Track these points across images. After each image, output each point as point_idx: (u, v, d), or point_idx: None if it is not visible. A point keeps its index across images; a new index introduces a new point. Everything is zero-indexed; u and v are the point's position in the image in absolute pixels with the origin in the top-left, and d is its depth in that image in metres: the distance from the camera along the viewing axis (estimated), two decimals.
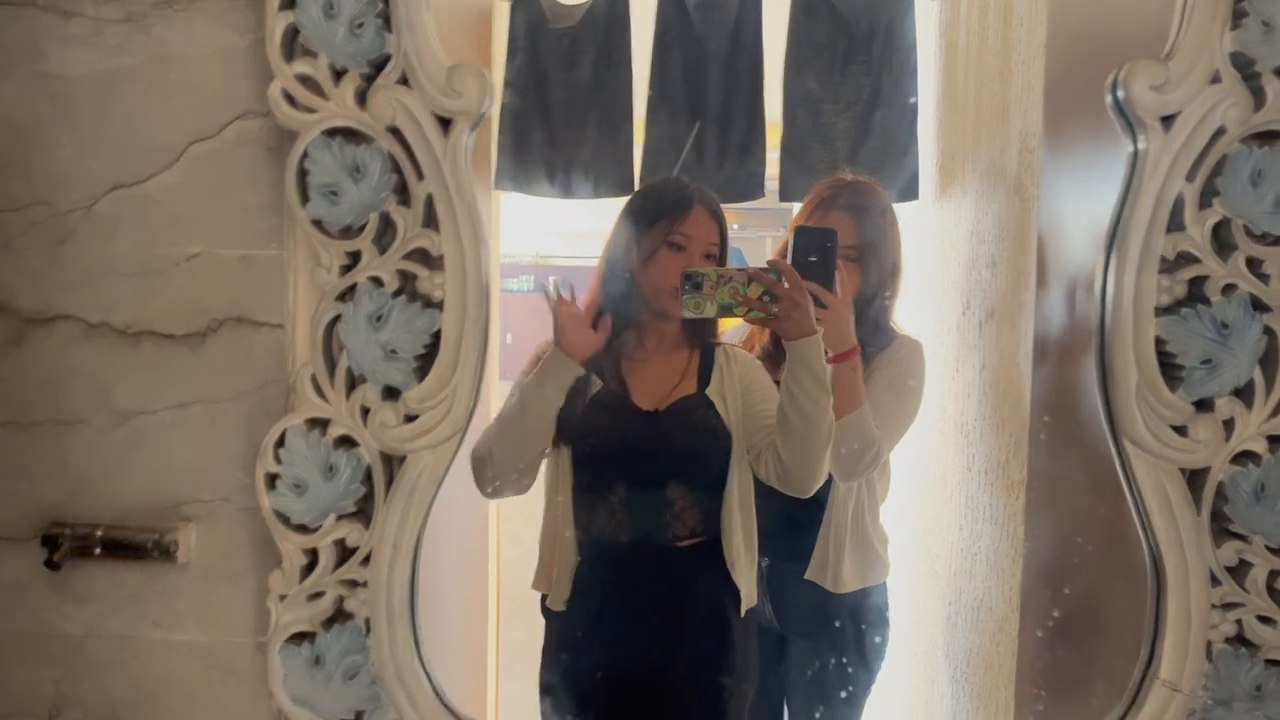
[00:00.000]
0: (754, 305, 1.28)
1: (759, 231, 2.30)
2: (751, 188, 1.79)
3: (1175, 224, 1.00)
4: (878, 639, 1.62)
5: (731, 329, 1.60)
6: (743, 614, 1.43)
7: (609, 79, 1.73)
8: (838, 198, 1.54)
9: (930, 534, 1.86)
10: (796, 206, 1.69)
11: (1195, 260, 1.00)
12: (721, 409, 1.41)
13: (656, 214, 1.40)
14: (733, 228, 1.63)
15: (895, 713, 1.99)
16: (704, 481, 1.41)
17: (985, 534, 1.60)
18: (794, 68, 1.75)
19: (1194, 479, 1.03)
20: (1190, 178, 0.99)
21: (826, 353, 1.34)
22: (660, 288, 1.38)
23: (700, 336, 1.46)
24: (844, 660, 1.61)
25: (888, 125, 1.77)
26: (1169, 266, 1.01)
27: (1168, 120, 0.98)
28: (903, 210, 1.81)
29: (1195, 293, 1.01)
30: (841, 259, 1.44)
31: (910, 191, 1.79)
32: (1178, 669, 1.04)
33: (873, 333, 1.52)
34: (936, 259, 1.88)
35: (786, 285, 1.27)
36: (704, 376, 1.43)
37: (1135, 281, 0.99)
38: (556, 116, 1.74)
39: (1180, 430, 1.02)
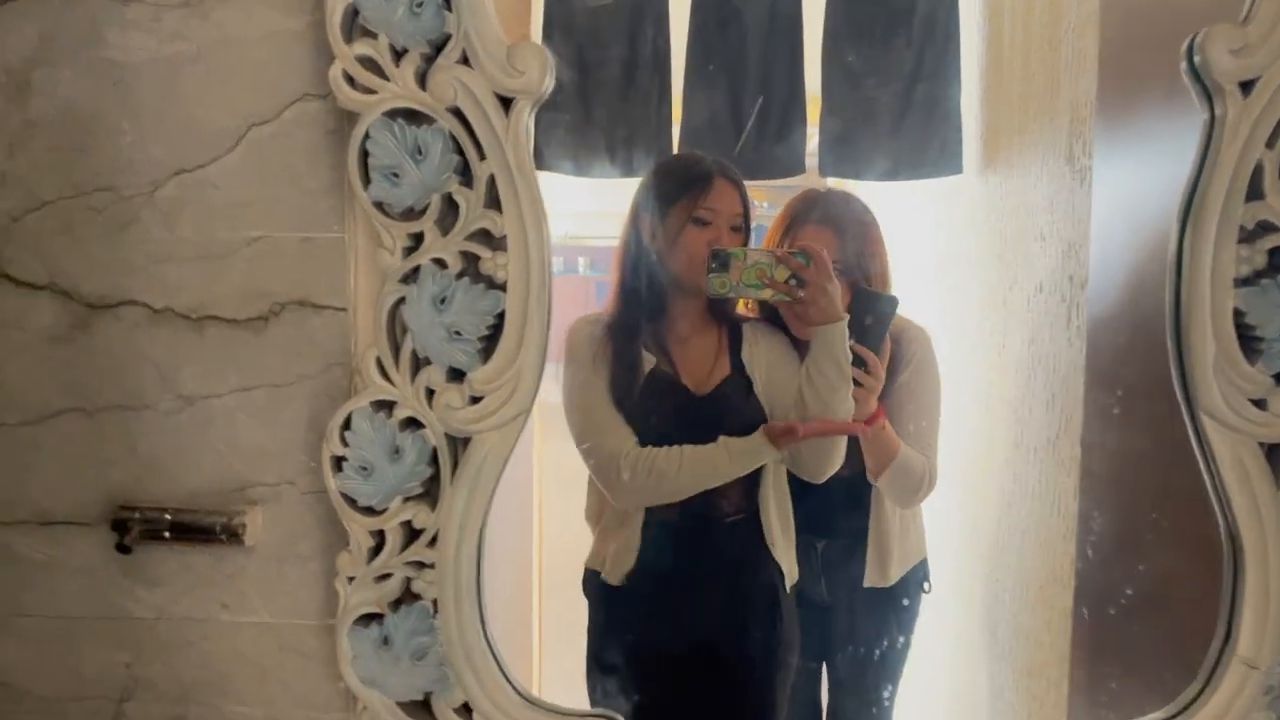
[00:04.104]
0: (780, 288, 1.28)
1: None
2: (792, 164, 1.75)
3: (1254, 192, 0.97)
4: (916, 601, 1.63)
5: None
6: (787, 588, 1.44)
7: (647, 56, 1.71)
8: (813, 210, 1.51)
9: (975, 512, 1.85)
10: (830, 183, 1.67)
11: (1276, 229, 0.98)
12: (756, 387, 1.41)
13: (678, 191, 1.39)
14: (763, 206, 1.62)
15: (937, 688, 1.99)
16: None
17: (1035, 512, 1.59)
18: (834, 41, 1.73)
19: (1273, 453, 1.01)
20: (1270, 145, 0.96)
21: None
22: (690, 265, 1.37)
23: (725, 313, 1.45)
24: (888, 626, 1.62)
25: (931, 98, 1.73)
26: (1248, 236, 0.98)
27: (1246, 86, 0.96)
28: (946, 184, 1.79)
29: (1275, 263, 0.99)
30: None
31: (954, 165, 1.76)
32: (1256, 646, 1.02)
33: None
34: (982, 233, 1.85)
35: (814, 270, 1.26)
36: (735, 355, 1.43)
37: (1213, 252, 0.97)
38: (595, 95, 1.73)
39: (1259, 404, 1.00)
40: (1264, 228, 0.98)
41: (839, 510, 1.54)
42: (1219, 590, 1.05)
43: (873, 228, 1.53)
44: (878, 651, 1.62)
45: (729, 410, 1.41)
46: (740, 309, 1.50)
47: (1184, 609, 1.19)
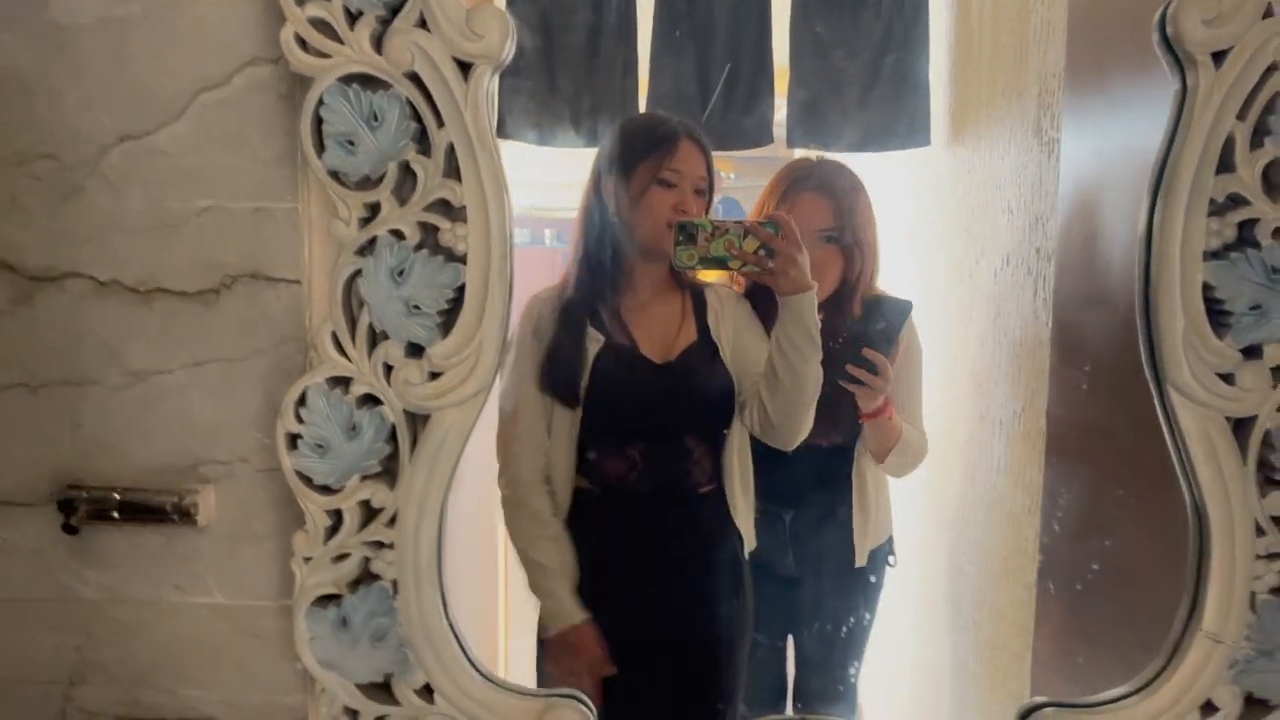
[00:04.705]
0: (749, 259, 1.27)
1: (755, 181, 2.27)
2: (760, 135, 1.75)
3: (1225, 164, 0.96)
4: (881, 576, 1.65)
5: None
6: (746, 556, 1.45)
7: (612, 22, 1.69)
8: (809, 179, 1.52)
9: (940, 485, 1.86)
10: (798, 153, 1.66)
11: (1246, 202, 0.97)
12: (723, 353, 1.41)
13: (643, 151, 1.38)
14: (728, 177, 1.61)
15: (901, 661, 2.00)
16: (715, 427, 1.42)
17: (1000, 485, 1.59)
18: (802, 11, 1.71)
19: (1240, 427, 1.01)
20: (1241, 116, 0.95)
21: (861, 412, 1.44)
22: (655, 227, 1.36)
23: (688, 279, 1.45)
24: (855, 602, 1.63)
25: (899, 70, 1.72)
26: (1218, 209, 0.97)
27: (1219, 57, 0.95)
28: (914, 156, 1.79)
29: (1245, 236, 0.98)
30: (822, 242, 1.47)
31: (922, 137, 1.76)
32: (1220, 620, 1.03)
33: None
34: (950, 206, 1.85)
35: (783, 240, 1.25)
36: (701, 320, 1.42)
37: (1183, 225, 0.96)
38: (558, 62, 1.70)
39: (1227, 378, 0.99)
40: (1234, 200, 0.98)
41: (814, 483, 1.56)
42: (1184, 565, 1.05)
43: (863, 194, 1.54)
44: (845, 627, 1.63)
45: (694, 377, 1.40)
46: (723, 278, 1.49)
47: (1149, 584, 1.20)
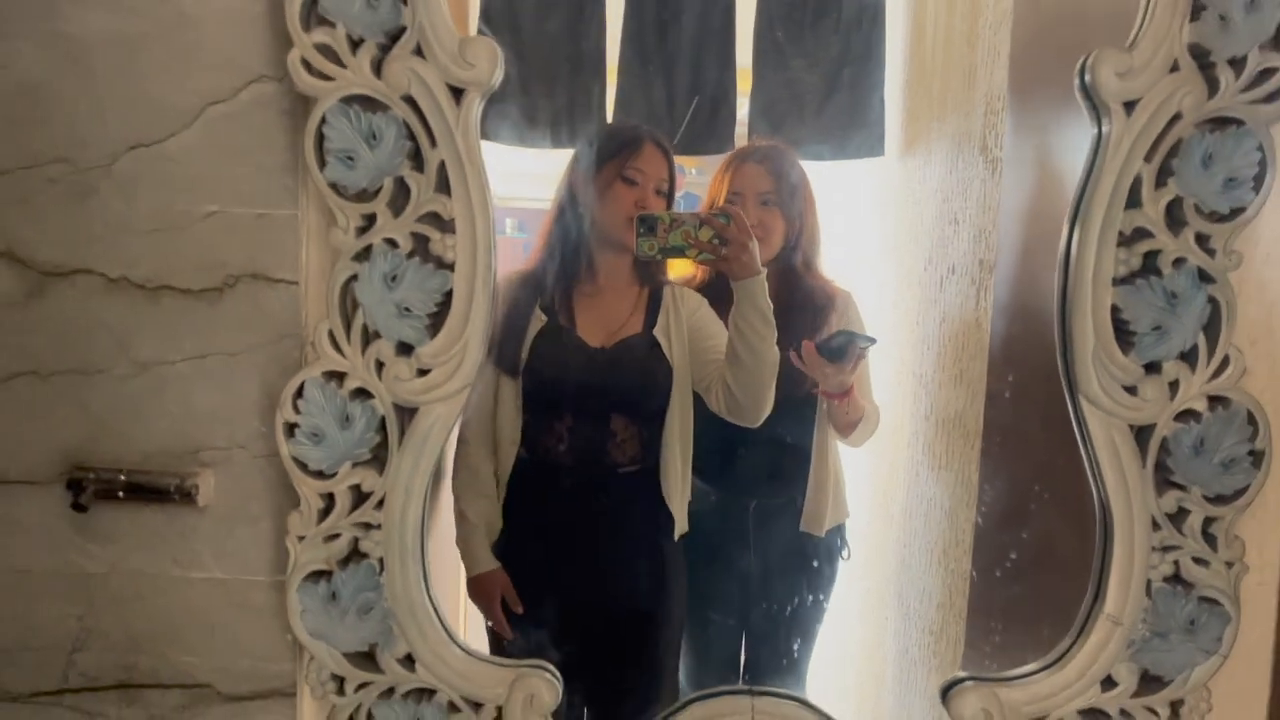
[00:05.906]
0: (704, 247, 1.37)
1: None
2: (723, 141, 1.81)
3: (1133, 201, 1.08)
4: (834, 567, 1.73)
5: None
6: (675, 539, 1.53)
7: (583, 28, 1.75)
8: (752, 154, 1.63)
9: (886, 479, 1.94)
10: None
11: (1150, 235, 1.08)
12: (666, 348, 1.50)
13: (610, 151, 1.48)
14: (690, 171, 1.69)
15: (848, 647, 2.08)
16: (645, 414, 1.51)
17: (942, 480, 1.68)
18: (765, 21, 1.78)
19: (1141, 434, 1.13)
20: (1148, 159, 1.06)
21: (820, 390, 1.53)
22: (615, 220, 1.46)
23: (651, 276, 1.54)
24: (812, 592, 1.72)
25: (855, 82, 1.80)
26: (1126, 240, 1.09)
27: (1130, 105, 1.05)
28: (868, 166, 1.87)
29: (1149, 265, 1.09)
30: (763, 205, 1.57)
31: (876, 148, 1.84)
32: (1120, 605, 1.14)
33: (805, 276, 1.63)
34: (900, 215, 1.93)
35: (735, 229, 1.35)
36: (651, 316, 1.52)
37: (1096, 253, 1.07)
38: (530, 66, 1.76)
39: (1131, 390, 1.11)
40: (1140, 233, 1.09)
41: (776, 470, 1.64)
42: (1091, 555, 1.16)
43: (805, 178, 1.63)
44: (789, 608, 1.71)
45: (626, 364, 1.50)
46: (686, 272, 1.58)
47: (1059, 572, 1.31)
